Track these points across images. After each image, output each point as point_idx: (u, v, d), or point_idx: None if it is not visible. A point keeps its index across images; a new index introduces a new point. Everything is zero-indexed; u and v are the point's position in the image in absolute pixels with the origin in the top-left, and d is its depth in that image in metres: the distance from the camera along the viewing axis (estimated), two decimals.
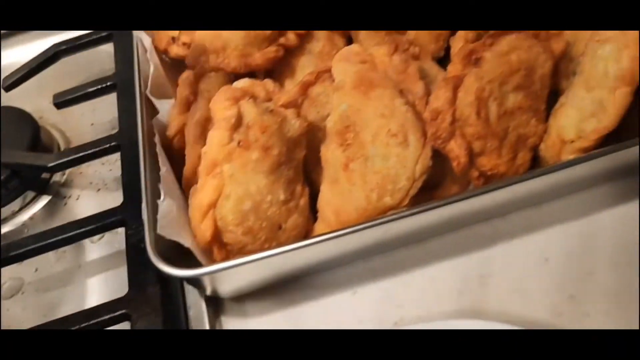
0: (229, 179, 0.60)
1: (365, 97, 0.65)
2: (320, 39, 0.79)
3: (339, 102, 0.66)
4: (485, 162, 0.65)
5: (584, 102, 0.62)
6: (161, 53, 0.82)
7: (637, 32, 0.59)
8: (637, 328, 0.60)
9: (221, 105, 0.60)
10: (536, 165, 0.69)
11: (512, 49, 0.63)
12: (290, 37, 0.74)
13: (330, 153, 0.65)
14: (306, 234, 0.67)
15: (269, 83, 0.63)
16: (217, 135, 0.59)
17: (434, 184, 0.71)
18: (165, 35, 0.82)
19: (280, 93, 0.63)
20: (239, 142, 0.60)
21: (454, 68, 0.63)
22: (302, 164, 0.66)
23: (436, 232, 0.72)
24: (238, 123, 0.60)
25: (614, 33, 0.61)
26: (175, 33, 0.81)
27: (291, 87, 0.72)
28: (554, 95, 0.70)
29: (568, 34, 0.70)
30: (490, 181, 0.66)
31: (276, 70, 0.78)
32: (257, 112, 0.60)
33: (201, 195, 0.60)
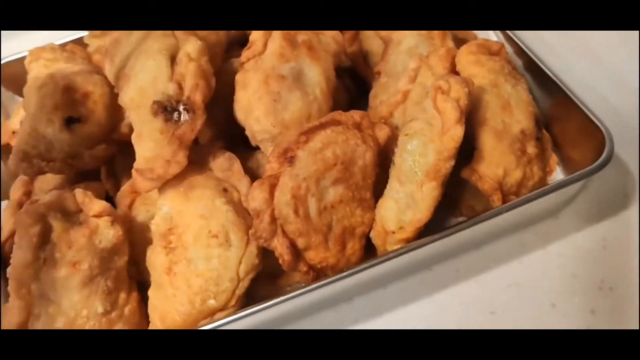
0: (38, 299, 0.58)
1: (186, 198, 0.64)
2: None
3: (160, 204, 0.65)
4: (313, 256, 0.64)
5: (399, 195, 0.62)
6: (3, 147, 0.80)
7: (441, 124, 0.60)
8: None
9: (24, 222, 0.58)
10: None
11: (326, 144, 0.63)
12: (124, 131, 0.73)
13: (154, 257, 0.64)
14: None
15: (79, 193, 0.61)
16: (19, 255, 0.57)
17: (279, 272, 0.71)
18: (6, 129, 0.80)
19: (92, 202, 0.61)
20: (44, 260, 0.58)
21: (270, 167, 0.63)
22: (125, 270, 0.64)
23: (285, 320, 0.71)
24: (44, 240, 0.58)
25: (421, 127, 0.62)
26: (17, 126, 0.78)
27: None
28: None
29: (397, 121, 0.72)
30: (322, 273, 0.65)
31: (117, 167, 0.76)
32: (62, 228, 0.58)
33: (9, 317, 0.58)
